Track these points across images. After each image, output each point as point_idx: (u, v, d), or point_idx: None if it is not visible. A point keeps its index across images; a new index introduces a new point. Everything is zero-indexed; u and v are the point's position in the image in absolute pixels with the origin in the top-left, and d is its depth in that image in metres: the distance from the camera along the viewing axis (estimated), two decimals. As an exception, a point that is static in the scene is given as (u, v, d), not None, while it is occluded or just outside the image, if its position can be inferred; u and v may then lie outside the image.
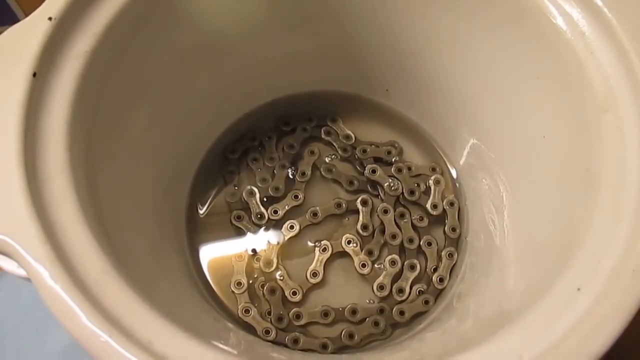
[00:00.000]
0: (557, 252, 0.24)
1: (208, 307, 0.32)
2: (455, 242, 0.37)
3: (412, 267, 0.36)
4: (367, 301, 0.35)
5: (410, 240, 0.36)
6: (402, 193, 0.38)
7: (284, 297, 0.34)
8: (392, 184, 0.38)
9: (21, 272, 0.20)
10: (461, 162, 0.39)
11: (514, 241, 0.31)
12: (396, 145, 0.40)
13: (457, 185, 0.39)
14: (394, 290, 0.35)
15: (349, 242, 0.36)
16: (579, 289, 0.21)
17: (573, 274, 0.21)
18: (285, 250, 0.36)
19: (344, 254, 0.36)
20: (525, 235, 0.30)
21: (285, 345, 0.33)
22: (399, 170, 0.38)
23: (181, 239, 0.35)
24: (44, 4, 0.24)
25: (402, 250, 0.36)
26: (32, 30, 0.23)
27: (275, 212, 0.37)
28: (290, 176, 0.38)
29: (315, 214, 0.37)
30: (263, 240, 0.36)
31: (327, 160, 0.40)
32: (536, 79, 0.28)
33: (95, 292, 0.20)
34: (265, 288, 0.34)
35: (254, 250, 0.36)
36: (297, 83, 0.40)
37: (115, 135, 0.27)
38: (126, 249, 0.24)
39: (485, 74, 0.32)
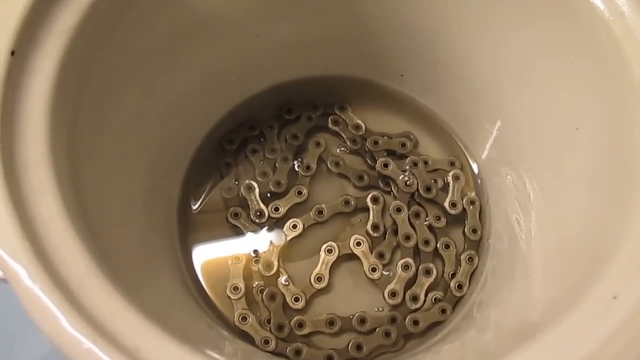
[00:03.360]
0: (591, 256, 0.24)
1: (201, 313, 0.32)
2: (476, 244, 0.37)
3: (428, 272, 0.35)
4: (377, 309, 0.35)
5: (426, 242, 0.36)
6: (418, 190, 0.37)
7: (285, 303, 0.34)
8: (406, 180, 0.38)
9: (-4, 271, 0.20)
10: (483, 156, 0.38)
11: (542, 244, 0.31)
12: (411, 136, 0.40)
13: (479, 181, 0.39)
14: (407, 297, 0.35)
15: (357, 244, 0.36)
16: (615, 297, 0.20)
17: (608, 280, 0.21)
18: (287, 251, 0.36)
19: (352, 257, 0.36)
20: (554, 237, 0.30)
21: (286, 357, 0.33)
22: (414, 164, 0.38)
23: (172, 237, 0.35)
24: (23, -25, 0.24)
25: (416, 253, 0.36)
26: (10, 4, 0.23)
27: (277, 209, 0.37)
28: (295, 169, 0.38)
29: (320, 212, 0.37)
30: (262, 240, 0.36)
31: (334, 152, 0.39)
32: (569, 64, 0.28)
33: (78, 293, 0.20)
34: (264, 293, 0.34)
35: (255, 252, 0.36)
36: (302, 67, 0.40)
37: (101, 122, 0.27)
38: (112, 248, 0.24)
39: (513, 58, 0.32)
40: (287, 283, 0.35)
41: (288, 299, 0.35)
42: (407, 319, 0.34)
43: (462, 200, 0.38)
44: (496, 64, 0.33)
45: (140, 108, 0.31)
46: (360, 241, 0.36)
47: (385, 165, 0.38)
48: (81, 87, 0.25)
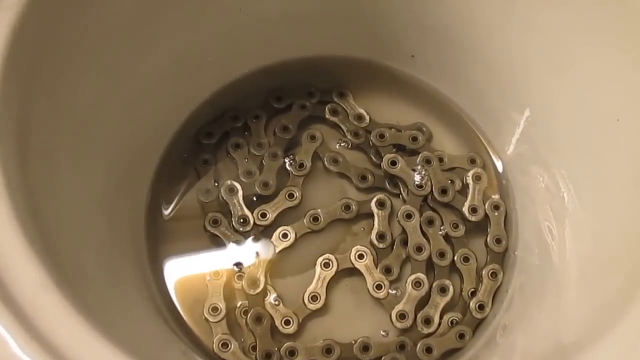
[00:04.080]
0: (631, 269, 0.24)
1: (175, 338, 0.33)
2: (501, 257, 0.37)
3: (443, 290, 0.36)
4: (383, 334, 0.35)
5: (441, 255, 0.36)
6: (431, 192, 0.38)
7: (273, 327, 0.35)
8: (417, 180, 0.38)
9: None
10: (509, 153, 0.39)
11: (577, 256, 0.31)
12: (424, 128, 0.40)
13: (504, 182, 0.39)
14: (418, 320, 0.35)
15: (360, 257, 0.36)
16: (660, 317, 0.21)
17: (653, 297, 0.22)
18: (276, 266, 0.36)
19: (353, 272, 0.36)
20: (591, 248, 0.30)
21: (275, 390, 0.33)
22: (428, 161, 0.39)
23: (140, 248, 0.36)
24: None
25: (430, 267, 0.37)
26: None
27: (264, 215, 0.37)
28: (286, 168, 0.39)
29: (315, 219, 0.37)
30: (247, 252, 0.37)
31: (332, 147, 0.40)
32: (608, 45, 0.29)
33: (31, 314, 0.20)
34: (249, 315, 0.35)
35: (239, 265, 0.36)
36: (294, 46, 0.40)
37: (56, 111, 0.27)
38: (69, 261, 0.24)
39: (543, 37, 0.32)
40: (276, 303, 0.35)
41: (277, 322, 0.35)
42: (418, 346, 0.34)
43: (484, 205, 0.38)
44: (524, 43, 0.34)
45: (103, 95, 0.31)
46: (363, 253, 0.36)
47: (393, 163, 0.38)
48: (33, 69, 0.25)
